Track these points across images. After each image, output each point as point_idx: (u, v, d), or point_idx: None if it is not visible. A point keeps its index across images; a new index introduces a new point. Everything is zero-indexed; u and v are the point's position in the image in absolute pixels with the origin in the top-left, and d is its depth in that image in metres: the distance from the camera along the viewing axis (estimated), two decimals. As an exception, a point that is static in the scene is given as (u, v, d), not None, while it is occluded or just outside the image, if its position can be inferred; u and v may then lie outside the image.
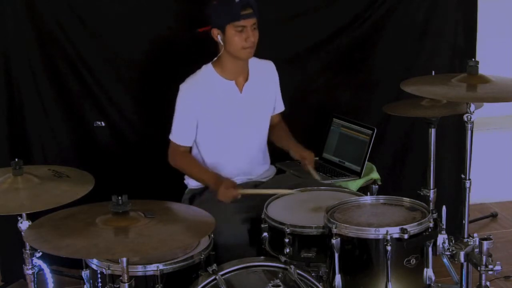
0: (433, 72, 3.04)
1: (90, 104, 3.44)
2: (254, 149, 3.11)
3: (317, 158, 3.51)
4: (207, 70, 3.01)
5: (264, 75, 3.12)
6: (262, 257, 2.53)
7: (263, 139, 3.14)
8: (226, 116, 3.00)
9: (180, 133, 3.01)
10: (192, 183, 3.11)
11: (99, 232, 2.04)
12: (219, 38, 2.92)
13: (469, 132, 2.65)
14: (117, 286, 2.34)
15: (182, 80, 3.01)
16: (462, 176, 2.73)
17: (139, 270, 2.40)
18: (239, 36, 2.89)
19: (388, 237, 2.30)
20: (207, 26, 2.97)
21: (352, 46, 3.66)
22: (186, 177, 3.13)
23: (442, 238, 2.57)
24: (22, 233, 2.37)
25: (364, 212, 2.50)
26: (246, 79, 3.05)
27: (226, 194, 2.85)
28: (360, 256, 2.38)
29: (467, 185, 2.72)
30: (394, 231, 2.31)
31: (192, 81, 2.99)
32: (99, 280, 2.47)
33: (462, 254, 2.64)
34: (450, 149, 3.70)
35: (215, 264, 2.38)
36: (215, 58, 3.01)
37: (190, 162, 3.05)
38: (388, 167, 3.77)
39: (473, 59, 2.70)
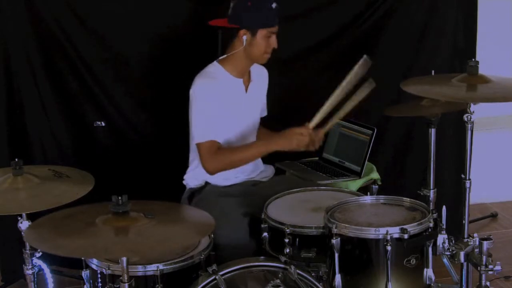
0: (433, 72, 3.04)
1: (90, 104, 3.44)
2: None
3: (317, 158, 3.52)
4: (215, 68, 2.98)
5: (261, 79, 3.15)
6: (262, 257, 2.53)
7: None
8: (232, 114, 2.99)
9: (209, 131, 2.89)
10: (191, 183, 3.10)
11: (98, 232, 2.04)
12: (244, 38, 2.90)
13: (469, 132, 2.65)
14: (117, 286, 2.35)
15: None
16: (462, 176, 2.73)
17: (139, 270, 2.40)
18: (266, 41, 2.91)
19: (388, 237, 2.30)
20: (219, 20, 2.96)
21: (352, 46, 3.65)
22: (185, 177, 3.12)
23: (442, 238, 2.58)
24: (22, 233, 2.37)
25: (364, 212, 2.51)
26: (250, 80, 3.06)
27: (300, 137, 2.85)
28: (360, 256, 2.39)
29: (467, 185, 2.72)
30: (394, 231, 2.31)
31: (206, 78, 2.93)
32: (99, 280, 2.47)
33: (462, 254, 2.64)
34: (450, 149, 3.70)
35: (215, 264, 2.38)
36: (224, 56, 2.99)
37: (234, 149, 2.93)
38: (388, 167, 3.77)
39: (473, 59, 2.71)
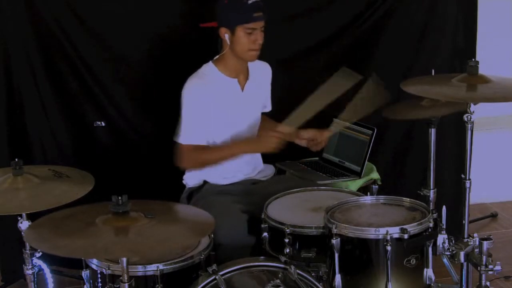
0: (433, 72, 3.04)
1: (90, 104, 3.44)
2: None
3: (317, 158, 3.52)
4: (209, 68, 3.01)
5: (262, 75, 3.16)
6: (262, 257, 2.53)
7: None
8: (228, 114, 3.00)
9: (191, 133, 2.95)
10: (190, 182, 3.11)
11: (98, 232, 2.05)
12: (226, 37, 2.92)
13: (469, 132, 2.65)
14: (117, 286, 2.35)
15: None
16: (462, 176, 2.73)
17: (139, 270, 2.40)
18: (247, 37, 2.90)
19: (388, 237, 2.30)
20: (211, 22, 2.98)
21: (352, 46, 3.66)
22: (184, 176, 3.13)
23: (442, 238, 2.58)
24: (22, 233, 2.37)
25: (364, 212, 2.51)
26: (247, 78, 3.06)
27: (271, 140, 2.87)
28: (360, 256, 2.39)
29: (467, 185, 2.72)
30: (394, 231, 2.31)
31: (197, 79, 2.97)
32: (99, 280, 2.47)
33: (462, 254, 2.64)
34: (450, 149, 3.70)
35: (215, 264, 2.38)
36: (217, 56, 3.01)
37: (209, 149, 2.98)
38: (388, 167, 3.77)
39: (473, 59, 2.71)
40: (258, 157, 3.18)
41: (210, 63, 3.02)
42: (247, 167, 3.12)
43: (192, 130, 2.95)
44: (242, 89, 3.05)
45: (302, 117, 2.91)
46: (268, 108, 3.26)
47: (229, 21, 2.90)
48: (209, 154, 2.98)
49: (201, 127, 2.96)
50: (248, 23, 2.89)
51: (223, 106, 2.98)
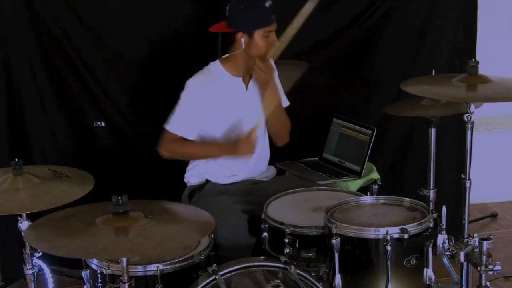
0: (433, 72, 3.04)
1: (90, 104, 3.44)
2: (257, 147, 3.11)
3: (317, 158, 3.52)
4: (216, 66, 3.01)
5: None
6: (262, 257, 2.53)
7: (264, 137, 3.14)
8: (232, 113, 3.01)
9: (180, 124, 2.96)
10: (192, 180, 3.12)
11: (98, 232, 2.05)
12: (242, 41, 2.92)
13: (469, 132, 2.65)
14: (117, 286, 2.35)
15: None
16: (462, 176, 2.73)
17: (139, 270, 2.40)
18: (265, 40, 2.93)
19: (388, 237, 2.30)
20: (214, 24, 2.97)
21: (352, 46, 3.66)
22: (186, 175, 3.13)
23: (442, 238, 2.58)
24: (22, 233, 2.37)
25: (364, 212, 2.51)
26: (251, 77, 3.06)
27: (247, 148, 2.90)
28: (360, 256, 2.39)
29: (467, 185, 2.72)
30: (394, 231, 2.31)
31: (199, 78, 2.98)
32: (99, 280, 2.47)
33: (462, 254, 2.64)
34: (450, 149, 3.70)
35: (215, 264, 2.38)
36: (226, 56, 3.01)
37: (188, 143, 2.99)
38: (388, 167, 3.77)
39: (473, 59, 2.71)
40: (265, 160, 3.18)
41: (217, 62, 3.02)
42: (249, 167, 3.11)
43: (183, 122, 2.96)
44: (246, 88, 3.05)
45: (282, 46, 2.95)
46: (285, 104, 3.23)
47: (247, 26, 2.91)
48: (187, 149, 3.00)
49: (193, 121, 2.97)
50: (267, 26, 2.91)
51: (227, 104, 2.98)
